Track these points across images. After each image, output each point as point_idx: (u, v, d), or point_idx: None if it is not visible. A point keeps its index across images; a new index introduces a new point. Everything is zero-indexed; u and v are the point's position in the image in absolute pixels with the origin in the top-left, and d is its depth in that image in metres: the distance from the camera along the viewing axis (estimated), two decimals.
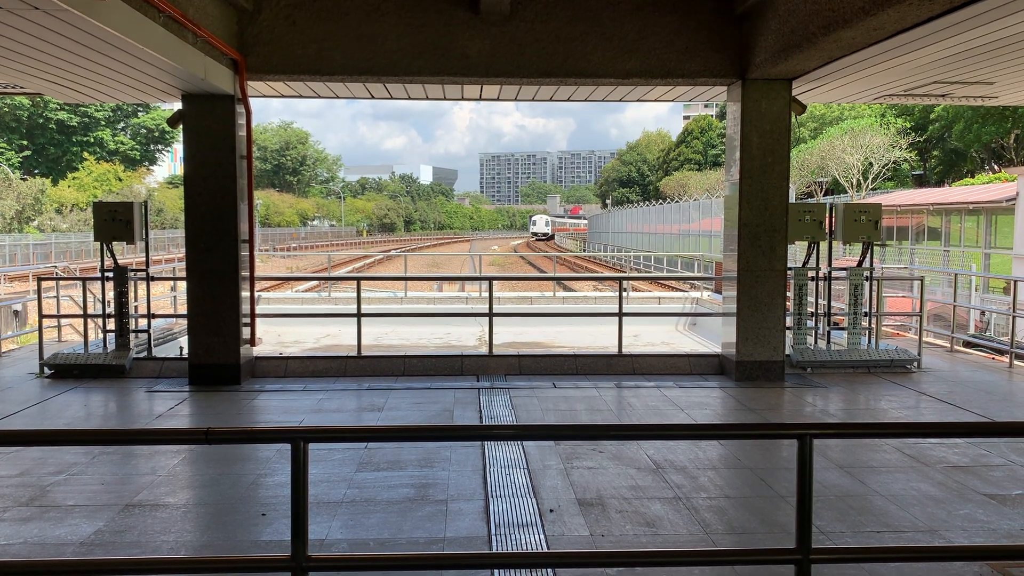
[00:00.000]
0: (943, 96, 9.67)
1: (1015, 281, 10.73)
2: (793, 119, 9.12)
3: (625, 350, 9.92)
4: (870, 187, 41.83)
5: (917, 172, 46.54)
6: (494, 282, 10.55)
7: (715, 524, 4.89)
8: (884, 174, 42.85)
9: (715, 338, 11.98)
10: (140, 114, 72.61)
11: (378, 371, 9.45)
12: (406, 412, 7.70)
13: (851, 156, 40.78)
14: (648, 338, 14.91)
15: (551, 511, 5.07)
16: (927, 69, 7.95)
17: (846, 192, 42.60)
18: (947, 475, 5.79)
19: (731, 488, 5.55)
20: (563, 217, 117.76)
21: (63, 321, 11.96)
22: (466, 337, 14.86)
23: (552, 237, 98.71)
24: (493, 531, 4.75)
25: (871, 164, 41.25)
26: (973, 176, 39.39)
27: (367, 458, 6.13)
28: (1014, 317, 10.27)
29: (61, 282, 11.87)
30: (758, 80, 8.77)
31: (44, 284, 10.27)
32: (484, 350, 9.83)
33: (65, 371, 9.19)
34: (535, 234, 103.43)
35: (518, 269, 43.92)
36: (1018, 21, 5.90)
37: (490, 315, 9.95)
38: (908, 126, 44.04)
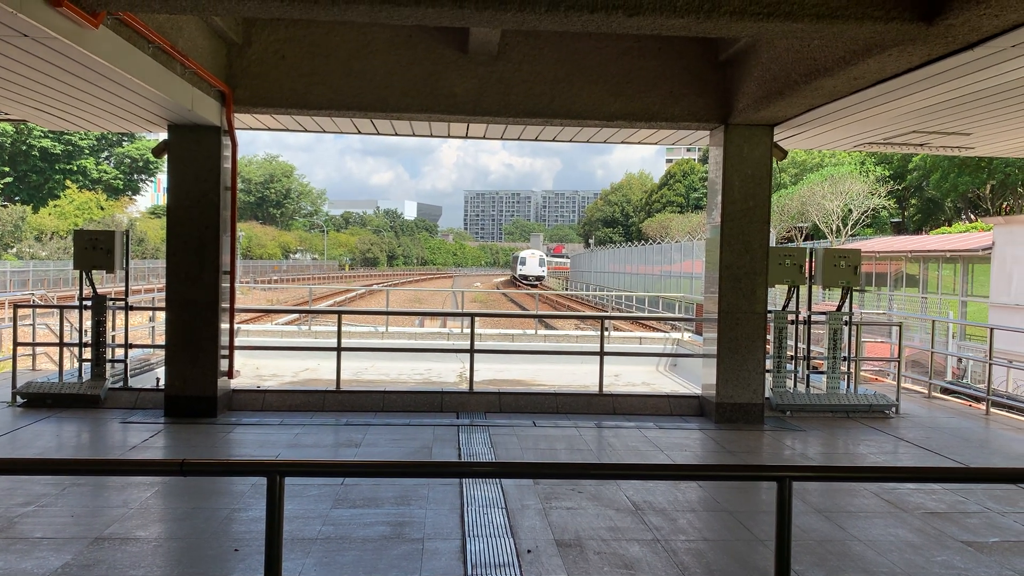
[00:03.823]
0: (921, 145, 9.86)
1: (991, 329, 10.86)
2: (774, 164, 9.25)
3: (606, 390, 9.90)
4: (849, 233, 42.39)
5: (896, 219, 47.24)
6: (476, 318, 10.53)
7: (693, 567, 4.85)
8: (863, 220, 43.45)
9: (695, 379, 11.99)
10: (125, 143, 72.50)
11: (357, 406, 9.36)
12: (384, 448, 7.63)
13: (831, 202, 41.34)
14: (629, 378, 14.90)
15: (529, 552, 5.01)
16: (906, 119, 8.11)
17: (826, 237, 43.11)
18: (925, 521, 5.80)
19: (710, 531, 5.52)
20: (548, 256, 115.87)
21: (38, 350, 11.81)
22: (447, 373, 14.79)
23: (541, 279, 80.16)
24: (470, 571, 4.69)
25: (851, 210, 41.83)
26: (950, 225, 40.02)
27: (343, 495, 6.05)
28: (990, 364, 10.37)
29: (38, 310, 11.72)
30: (740, 125, 8.91)
31: (20, 312, 10.14)
32: (464, 387, 9.78)
33: (38, 400, 9.04)
34: (524, 277, 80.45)
35: (500, 306, 43.89)
36: (994, 75, 6.06)
37: (471, 351, 9.91)
38: (887, 174, 44.78)
